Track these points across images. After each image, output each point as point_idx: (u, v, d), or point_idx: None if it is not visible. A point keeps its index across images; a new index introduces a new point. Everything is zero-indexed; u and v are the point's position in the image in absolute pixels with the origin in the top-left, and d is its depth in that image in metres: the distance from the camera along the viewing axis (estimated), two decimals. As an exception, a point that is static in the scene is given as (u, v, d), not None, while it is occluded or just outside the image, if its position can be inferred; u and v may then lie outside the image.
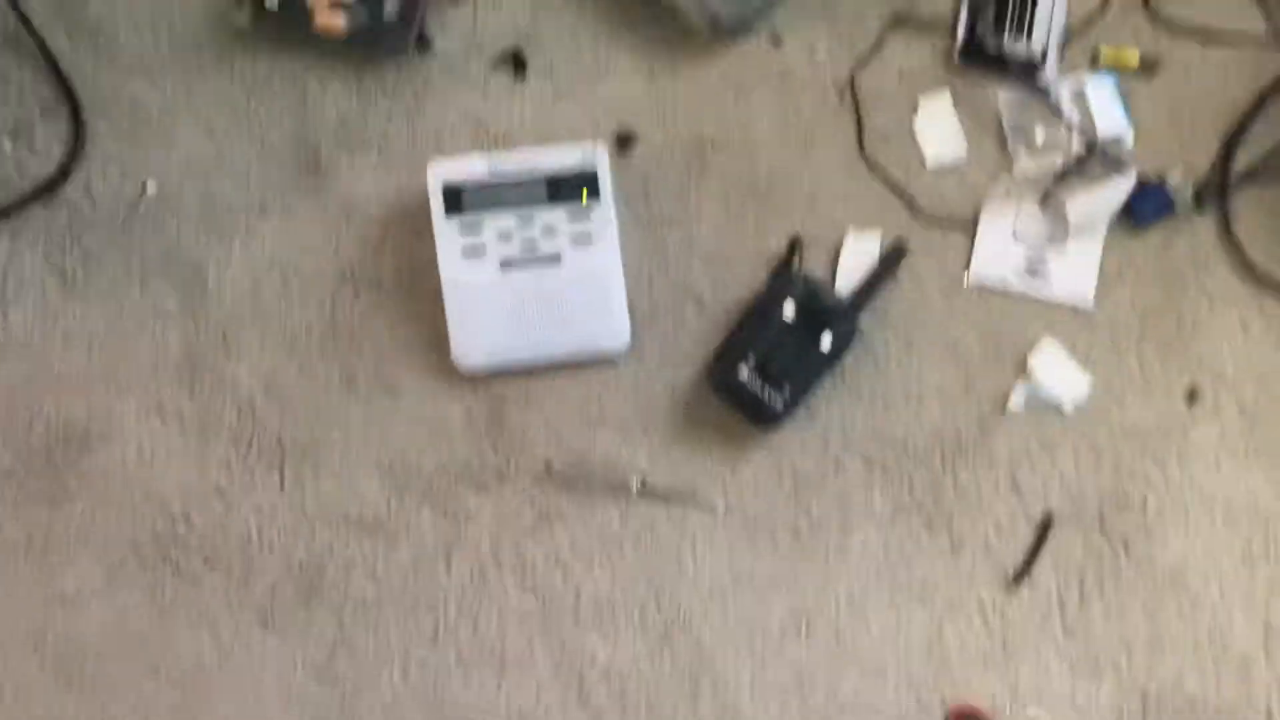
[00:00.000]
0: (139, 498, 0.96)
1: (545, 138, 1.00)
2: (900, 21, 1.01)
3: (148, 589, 0.96)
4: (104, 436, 0.97)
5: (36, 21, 1.00)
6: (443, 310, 0.95)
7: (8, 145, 0.99)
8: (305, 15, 0.98)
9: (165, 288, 0.98)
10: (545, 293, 0.94)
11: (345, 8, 0.98)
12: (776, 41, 1.01)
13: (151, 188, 0.99)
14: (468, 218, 0.94)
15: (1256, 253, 0.99)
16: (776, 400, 0.93)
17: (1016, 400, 0.97)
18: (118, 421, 0.97)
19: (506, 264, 0.94)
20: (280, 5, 0.98)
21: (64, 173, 0.99)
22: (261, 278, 0.98)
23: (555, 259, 0.94)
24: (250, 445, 0.97)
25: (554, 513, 0.96)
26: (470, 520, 0.96)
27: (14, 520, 0.96)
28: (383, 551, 0.96)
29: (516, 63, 1.01)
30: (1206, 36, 1.01)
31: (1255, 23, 1.02)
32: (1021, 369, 0.98)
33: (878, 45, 1.01)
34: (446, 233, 0.94)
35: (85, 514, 0.96)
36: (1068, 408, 0.97)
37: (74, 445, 0.97)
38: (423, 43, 1.00)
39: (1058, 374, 0.98)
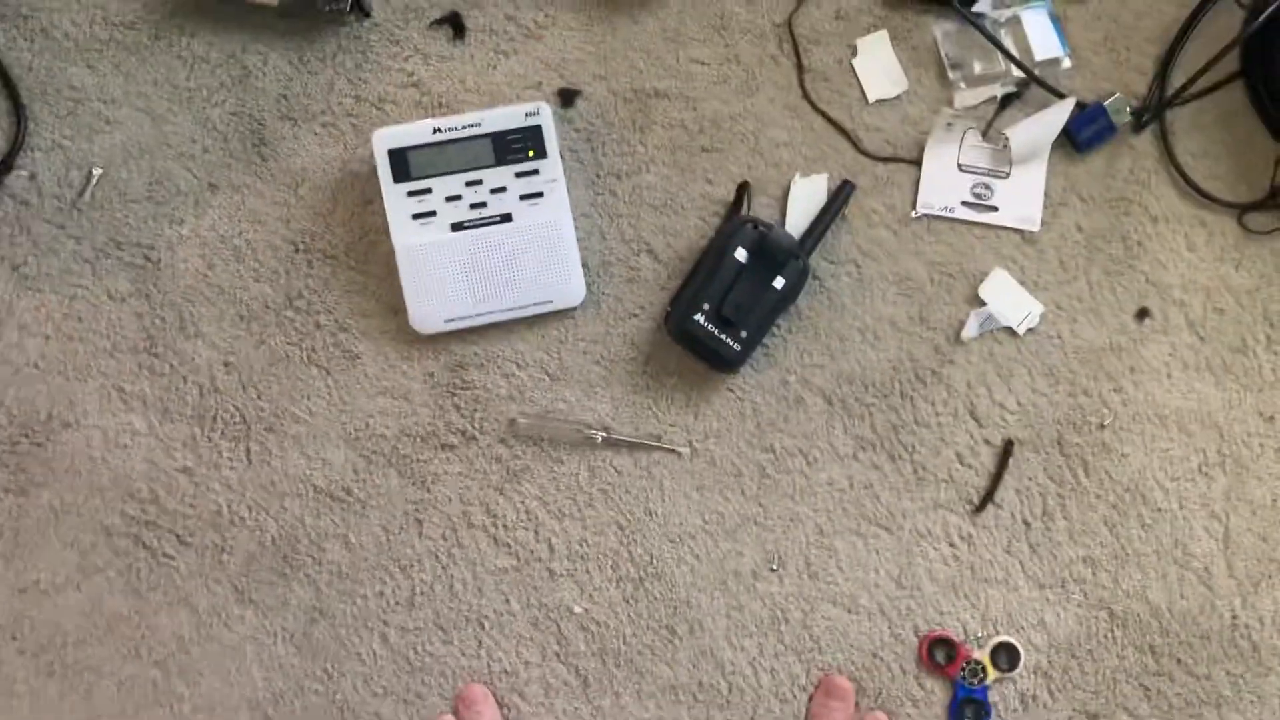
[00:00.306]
0: (106, 482, 0.96)
1: (488, 98, 1.00)
2: (834, -39, 1.02)
3: (122, 571, 0.96)
4: (67, 423, 0.97)
5: (-33, 10, 0.99)
6: (397, 276, 0.95)
7: (-53, 138, 0.99)
8: (239, -12, 0.98)
9: (118, 271, 0.98)
10: (498, 252, 0.95)
11: (278, -22, 0.98)
12: (713, -12, 1.02)
13: (97, 173, 0.99)
14: (416, 183, 0.94)
15: (1196, 171, 1.00)
16: (734, 343, 0.94)
17: (970, 329, 0.99)
18: (79, 407, 0.97)
19: (458, 226, 0.94)
20: (212, -21, 0.98)
21: (6, 164, 0.98)
22: (214, 255, 0.98)
23: (506, 218, 0.95)
24: (214, 422, 0.97)
25: (521, 469, 0.97)
26: (438, 482, 0.97)
27: (-17, 513, 0.96)
28: (354, 520, 0.97)
29: (455, 25, 1.01)
30: (1136, -42, 1.02)
31: (1183, -59, 1.03)
32: (973, 298, 0.99)
33: (813, -14, 1.02)
34: (395, 198, 0.94)
35: (53, 502, 0.96)
36: (1021, 333, 0.99)
37: (38, 434, 0.96)
38: (359, 8, 1.00)
39: (1009, 300, 0.99)
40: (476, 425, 0.97)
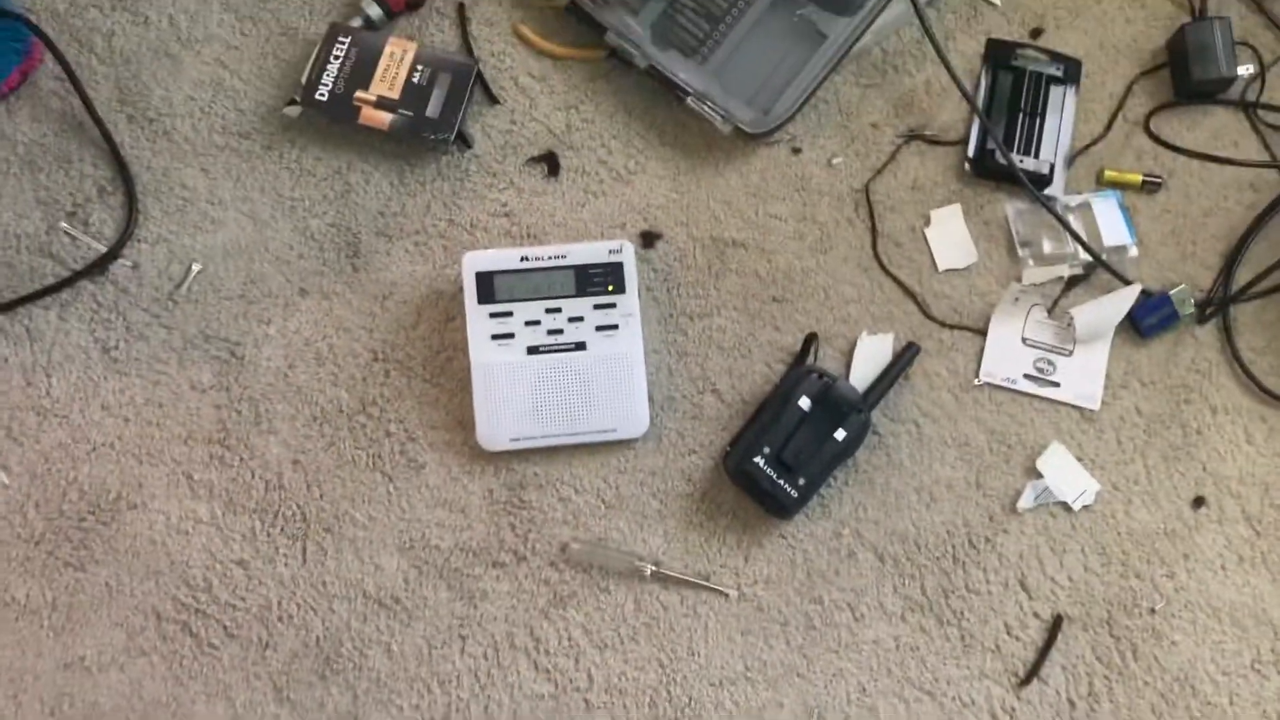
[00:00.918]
0: (163, 566, 0.98)
1: (575, 234, 1.05)
2: (914, 135, 1.07)
3: (166, 657, 0.96)
4: (134, 505, 0.99)
5: (101, 108, 1.06)
6: (469, 392, 0.98)
7: (64, 223, 1.04)
8: (352, 110, 1.04)
9: (203, 363, 1.02)
10: (569, 377, 0.97)
11: (391, 104, 1.04)
12: (796, 150, 1.07)
13: (196, 268, 1.04)
14: (498, 305, 0.98)
15: (1258, 366, 1.02)
16: (791, 489, 0.95)
17: (1026, 500, 0.99)
18: (148, 491, 0.99)
19: (533, 349, 0.97)
20: (329, 99, 1.04)
21: (114, 252, 1.03)
22: (296, 356, 1.02)
23: (581, 346, 0.98)
24: (275, 518, 0.99)
25: (568, 595, 0.98)
26: (486, 599, 0.98)
27: (40, 585, 0.97)
28: (399, 628, 0.97)
29: (550, 163, 1.06)
30: (1206, 158, 1.06)
31: (1251, 146, 1.07)
32: (1030, 469, 1.00)
33: (892, 156, 1.07)
34: (477, 318, 0.98)
35: (110, 580, 0.97)
36: (1076, 509, 0.99)
37: (104, 512, 0.98)
38: (463, 141, 1.06)
39: (1066, 475, 1.00)
40: (529, 546, 0.98)
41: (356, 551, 0.98)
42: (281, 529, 0.99)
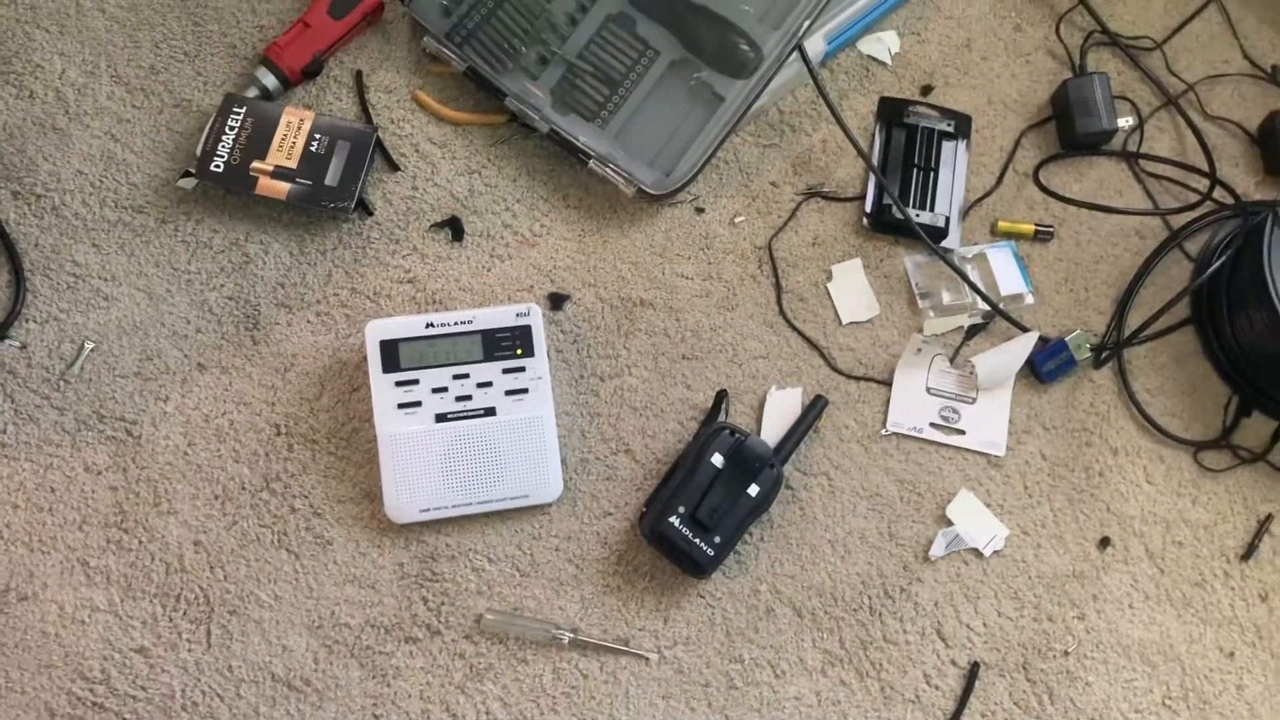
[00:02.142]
0: (58, 659, 0.93)
1: (481, 298, 1.04)
2: (813, 192, 1.09)
3: (61, 755, 0.92)
4: (24, 596, 0.94)
5: (-16, 185, 1.03)
6: (376, 464, 0.96)
7: (-54, 304, 1.00)
8: (249, 180, 1.02)
9: (98, 444, 0.98)
10: (479, 445, 0.96)
11: (289, 174, 1.03)
12: (699, 210, 1.08)
13: (89, 347, 1.00)
14: (404, 373, 0.96)
15: (1153, 407, 1.05)
16: (707, 548, 0.94)
17: (938, 548, 1.00)
18: (40, 580, 0.95)
19: (441, 417, 0.96)
20: (225, 170, 1.02)
21: (0, 333, 0.99)
22: (196, 433, 0.99)
23: (490, 412, 0.96)
24: (177, 601, 0.95)
25: (485, 668, 0.95)
26: (399, 677, 0.95)
27: (-78, 685, 0.92)
28: (310, 711, 0.94)
29: (454, 228, 1.06)
30: (1094, 207, 1.10)
31: (1135, 195, 1.11)
32: (941, 516, 1.01)
33: (793, 214, 1.08)
34: (383, 387, 0.96)
35: (-1, 677, 0.93)
36: (987, 554, 1.00)
37: (-8, 605, 0.94)
38: (363, 208, 1.05)
39: (975, 522, 1.01)
40: (443, 619, 0.96)
41: (263, 633, 0.95)
42: (184, 613, 0.95)
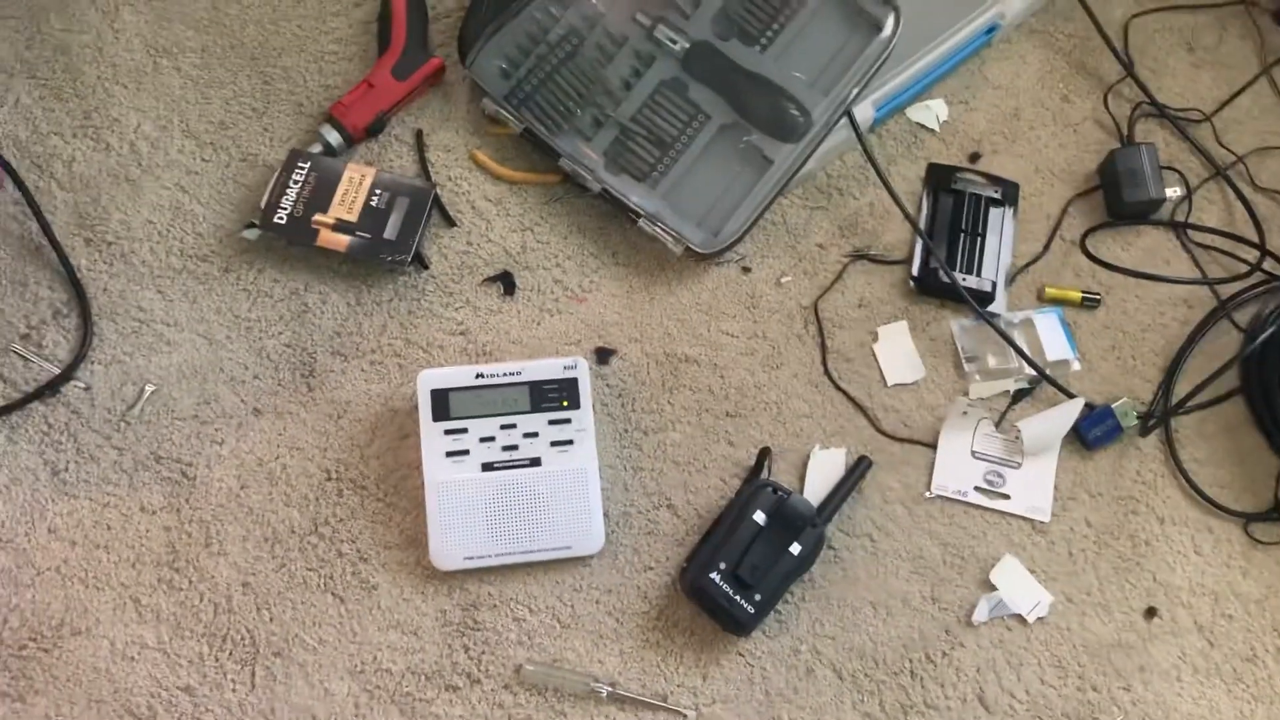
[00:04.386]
0: (106, 694, 0.95)
1: (530, 351, 1.06)
2: (859, 254, 1.10)
3: (105, 791, 0.93)
4: (77, 631, 0.96)
5: (60, 231, 1.07)
6: (423, 511, 0.98)
7: (17, 345, 1.04)
8: (311, 232, 1.06)
9: (154, 484, 1.01)
10: (524, 494, 0.97)
11: (349, 227, 1.06)
12: (746, 269, 1.10)
13: (149, 390, 1.04)
14: (453, 422, 0.98)
15: (1202, 477, 1.04)
16: (748, 605, 0.95)
17: (981, 613, 0.99)
18: (93, 615, 0.97)
19: (488, 466, 0.97)
20: (288, 222, 1.06)
21: (67, 374, 1.03)
22: (249, 476, 1.01)
23: (536, 462, 0.98)
24: (224, 642, 0.97)
25: (524, 718, 0.96)
26: (439, 724, 0.96)
27: (-25, 716, 0.94)
28: (349, 756, 0.95)
29: (506, 282, 1.08)
30: (1141, 276, 1.10)
31: (1183, 264, 1.11)
32: (984, 581, 1.00)
33: (839, 275, 1.10)
34: (432, 435, 0.98)
35: (49, 711, 0.94)
36: (1030, 621, 0.99)
37: (47, 639, 0.96)
38: (419, 262, 1.08)
39: (1019, 588, 1.00)
40: (483, 669, 0.97)
41: (306, 676, 0.96)
42: (230, 653, 0.96)
